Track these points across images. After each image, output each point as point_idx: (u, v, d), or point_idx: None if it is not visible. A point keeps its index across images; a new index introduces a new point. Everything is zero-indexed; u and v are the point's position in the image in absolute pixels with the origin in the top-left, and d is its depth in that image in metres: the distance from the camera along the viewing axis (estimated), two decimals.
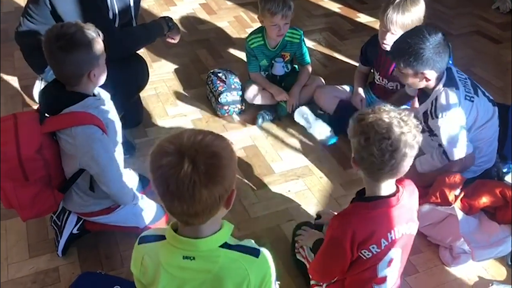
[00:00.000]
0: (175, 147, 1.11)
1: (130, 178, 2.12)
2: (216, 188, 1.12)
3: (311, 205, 2.33)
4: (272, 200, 2.36)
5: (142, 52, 2.78)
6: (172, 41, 2.70)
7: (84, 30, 1.70)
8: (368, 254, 1.52)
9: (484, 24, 4.00)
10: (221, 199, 1.15)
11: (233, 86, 2.88)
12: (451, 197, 2.00)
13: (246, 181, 2.45)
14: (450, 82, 2.03)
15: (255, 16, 3.95)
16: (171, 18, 2.64)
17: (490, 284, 1.96)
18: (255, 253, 1.27)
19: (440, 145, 2.24)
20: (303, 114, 2.73)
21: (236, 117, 2.90)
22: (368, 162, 1.41)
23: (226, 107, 2.86)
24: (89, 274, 1.91)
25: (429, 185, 2.09)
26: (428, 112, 2.08)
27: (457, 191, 2.02)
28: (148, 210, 2.04)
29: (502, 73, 3.30)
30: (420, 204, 2.06)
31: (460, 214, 1.97)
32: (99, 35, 1.75)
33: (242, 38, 3.62)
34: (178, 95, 3.09)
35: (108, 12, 2.40)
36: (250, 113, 2.92)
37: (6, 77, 3.17)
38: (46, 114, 1.77)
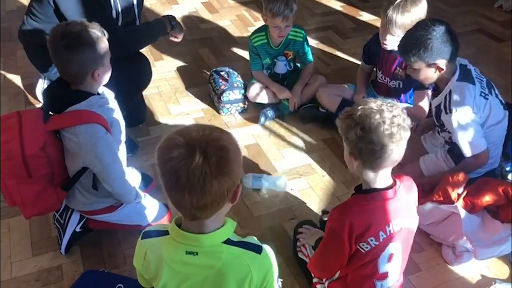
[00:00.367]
0: (185, 140, 1.13)
1: (133, 177, 2.13)
2: (225, 180, 1.14)
3: (314, 203, 2.34)
4: (274, 198, 2.37)
5: (145, 51, 2.78)
6: (175, 39, 2.70)
7: (89, 29, 1.70)
8: (366, 247, 1.53)
9: (486, 22, 3.99)
10: (228, 192, 1.17)
11: (235, 85, 2.88)
12: (454, 195, 2.00)
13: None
14: (465, 77, 2.03)
15: (258, 15, 3.97)
16: (174, 17, 2.64)
17: (493, 283, 1.97)
18: (258, 249, 1.28)
19: (446, 143, 2.24)
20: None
21: (238, 116, 2.90)
22: (368, 151, 1.44)
23: (228, 106, 2.86)
24: (92, 272, 1.91)
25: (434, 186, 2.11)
26: (442, 107, 2.07)
27: (460, 190, 2.02)
28: (151, 208, 2.05)
29: (504, 71, 3.30)
30: (422, 202, 2.08)
31: (463, 213, 1.96)
32: (104, 34, 1.75)
33: (245, 37, 3.62)
34: (181, 94, 3.09)
35: (111, 11, 2.40)
36: (252, 111, 2.92)
37: (9, 75, 3.18)
38: (50, 112, 1.77)
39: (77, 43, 1.67)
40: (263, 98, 2.90)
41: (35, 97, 2.91)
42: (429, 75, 2.04)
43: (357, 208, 1.54)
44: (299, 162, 2.58)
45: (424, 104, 2.53)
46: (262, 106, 2.91)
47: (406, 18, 2.33)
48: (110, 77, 1.84)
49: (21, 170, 1.70)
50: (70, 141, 1.75)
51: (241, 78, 2.97)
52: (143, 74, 2.63)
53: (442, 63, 1.98)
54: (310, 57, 2.93)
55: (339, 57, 3.54)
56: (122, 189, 1.88)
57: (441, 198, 2.02)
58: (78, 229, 2.03)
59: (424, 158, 2.33)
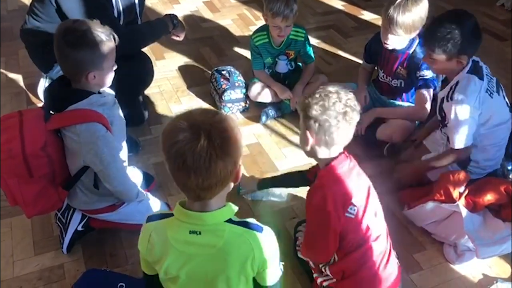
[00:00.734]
0: (189, 123, 1.17)
1: (134, 176, 2.13)
2: (230, 160, 1.19)
3: None
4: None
5: (146, 50, 2.79)
6: (177, 38, 2.70)
7: (95, 30, 1.69)
8: (354, 210, 1.61)
9: (488, 21, 3.99)
10: (231, 172, 1.22)
11: (236, 84, 2.88)
12: (455, 194, 2.00)
13: (250, 178, 2.45)
14: (475, 71, 2.04)
15: (259, 14, 3.97)
16: (176, 16, 2.65)
17: (495, 282, 1.96)
18: (259, 229, 1.31)
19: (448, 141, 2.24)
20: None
21: (239, 115, 2.90)
22: (325, 127, 1.56)
23: (229, 105, 2.86)
24: (94, 271, 1.91)
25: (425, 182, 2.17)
26: (445, 96, 2.08)
27: (462, 189, 2.02)
28: (153, 207, 2.05)
29: (506, 70, 3.29)
30: (424, 201, 2.08)
31: (464, 212, 1.96)
32: (112, 39, 1.74)
33: (246, 36, 3.62)
34: (182, 93, 3.09)
35: (113, 10, 2.40)
36: (253, 110, 2.92)
37: (11, 75, 3.19)
38: (51, 112, 1.77)
39: (78, 41, 1.67)
40: (265, 97, 2.90)
41: (37, 97, 2.92)
42: (449, 67, 2.05)
43: (328, 178, 1.63)
44: (301, 161, 2.58)
45: (426, 103, 2.52)
46: (263, 105, 2.91)
47: (407, 18, 2.32)
48: None
49: (22, 169, 1.71)
50: (70, 140, 1.76)
51: (243, 77, 2.97)
52: (145, 73, 2.63)
53: (464, 58, 1.99)
54: (312, 56, 2.93)
55: (340, 56, 3.54)
56: (123, 187, 1.88)
57: (443, 197, 2.02)
58: (80, 228, 2.04)
59: (426, 157, 2.33)
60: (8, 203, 1.84)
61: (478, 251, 1.94)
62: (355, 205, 1.61)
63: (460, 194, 2.00)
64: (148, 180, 2.29)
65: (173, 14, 2.65)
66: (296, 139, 2.73)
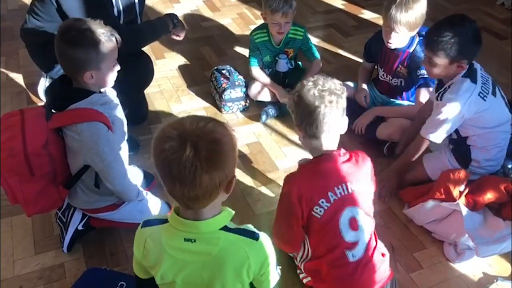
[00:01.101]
0: (178, 132, 1.15)
1: (135, 175, 2.13)
2: (217, 173, 1.15)
3: None
4: (276, 197, 2.36)
5: (146, 49, 2.78)
6: (177, 38, 2.70)
7: (96, 30, 1.68)
8: (320, 211, 1.58)
9: (488, 20, 3.98)
10: (221, 184, 1.18)
11: (236, 83, 2.88)
12: (455, 193, 2.00)
13: (250, 177, 2.46)
14: (470, 74, 2.05)
15: (259, 13, 3.96)
16: (176, 15, 2.65)
17: (495, 280, 1.97)
18: (255, 236, 1.30)
19: (450, 142, 2.25)
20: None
21: (240, 114, 2.90)
22: (304, 116, 1.55)
23: (230, 104, 2.87)
24: (94, 270, 1.91)
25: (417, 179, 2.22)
26: (437, 96, 2.11)
27: (462, 187, 2.02)
28: (153, 206, 2.05)
29: (506, 68, 3.29)
30: (424, 200, 2.08)
31: (464, 210, 1.96)
32: (115, 40, 1.73)
33: (246, 35, 3.62)
34: (182, 92, 3.09)
35: (113, 9, 2.40)
36: (254, 109, 2.92)
37: (12, 74, 3.19)
38: (52, 110, 1.77)
39: (75, 39, 1.66)
40: (265, 96, 2.90)
41: (37, 96, 2.92)
42: (449, 71, 2.06)
43: (305, 170, 1.64)
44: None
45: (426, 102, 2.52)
46: (263, 104, 2.91)
47: (410, 16, 2.33)
48: None
49: (23, 168, 1.71)
50: (71, 139, 1.76)
51: (243, 76, 2.97)
52: (145, 72, 2.63)
53: (465, 62, 2.01)
54: (316, 53, 2.92)
55: (340, 55, 3.54)
56: (124, 187, 1.88)
57: (443, 196, 2.02)
58: (80, 227, 2.04)
59: (429, 156, 2.33)
60: (9, 202, 1.85)
61: (478, 250, 1.94)
62: (321, 207, 1.58)
63: (460, 193, 2.01)
64: (149, 179, 2.29)
65: (173, 14, 2.65)
66: (296, 138, 2.73)
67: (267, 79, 2.88)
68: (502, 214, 2.01)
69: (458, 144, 2.22)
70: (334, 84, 1.58)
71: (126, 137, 1.92)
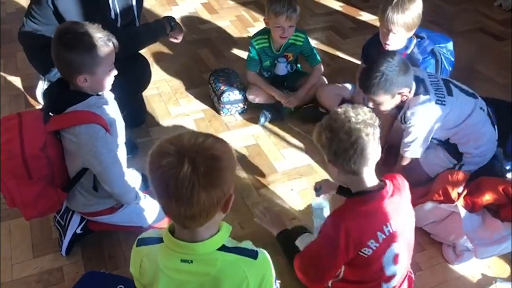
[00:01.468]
0: (176, 148, 1.11)
1: (133, 178, 2.12)
2: (215, 191, 1.12)
3: None
4: (275, 199, 2.37)
5: (144, 52, 2.79)
6: (175, 40, 2.70)
7: (93, 35, 1.68)
8: (368, 251, 1.51)
9: (486, 21, 3.99)
10: (218, 203, 1.15)
11: (235, 85, 2.88)
12: (454, 194, 2.00)
13: (248, 180, 2.46)
14: (420, 90, 2.10)
15: (257, 15, 3.97)
16: (174, 18, 2.65)
17: (494, 282, 1.97)
18: (253, 255, 1.26)
19: (439, 144, 2.27)
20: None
21: (238, 116, 2.90)
22: (341, 151, 1.45)
23: (228, 106, 2.86)
24: (93, 273, 1.91)
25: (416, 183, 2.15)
26: (399, 119, 2.18)
27: (460, 189, 2.02)
28: (151, 209, 2.05)
29: (505, 70, 3.29)
30: (422, 202, 2.08)
31: (463, 212, 1.96)
32: (113, 45, 1.73)
33: (244, 38, 3.62)
34: (181, 95, 3.09)
35: (110, 12, 2.40)
36: (252, 112, 2.92)
37: (10, 77, 3.18)
38: (50, 113, 1.77)
39: (71, 43, 1.66)
40: (263, 98, 2.90)
41: (35, 99, 2.91)
42: (395, 102, 2.11)
43: (352, 211, 1.53)
44: (299, 162, 2.58)
45: None
46: (262, 106, 2.91)
47: (407, 16, 2.33)
48: None
49: (21, 171, 1.71)
50: (69, 141, 1.76)
51: (241, 79, 2.96)
52: (142, 75, 2.63)
53: (405, 90, 2.06)
54: (318, 57, 2.91)
55: (339, 57, 3.54)
56: (122, 190, 1.88)
57: (441, 198, 2.02)
58: (78, 231, 2.04)
59: (424, 153, 2.34)
60: (7, 206, 1.84)
61: (477, 251, 1.94)
62: (370, 248, 1.50)
63: (459, 195, 2.01)
64: (147, 182, 2.28)
65: (170, 16, 2.65)
66: (295, 140, 2.73)
67: (263, 83, 2.88)
68: (501, 216, 2.01)
69: (445, 143, 2.27)
70: (365, 113, 1.48)
71: (124, 140, 1.92)
